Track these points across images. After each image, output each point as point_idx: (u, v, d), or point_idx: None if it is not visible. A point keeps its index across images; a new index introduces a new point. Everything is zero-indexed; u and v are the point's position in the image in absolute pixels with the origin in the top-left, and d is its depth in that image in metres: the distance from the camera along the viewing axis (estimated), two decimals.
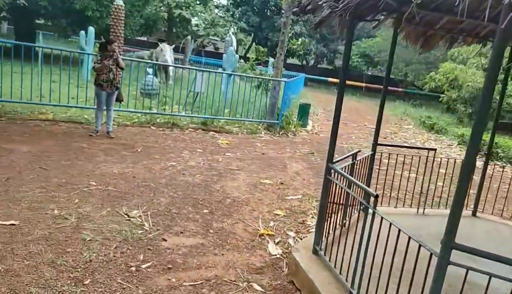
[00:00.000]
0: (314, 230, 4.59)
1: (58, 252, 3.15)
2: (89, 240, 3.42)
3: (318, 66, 37.94)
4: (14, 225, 3.43)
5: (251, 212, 4.73)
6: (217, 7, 37.08)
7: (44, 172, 4.88)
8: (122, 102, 8.56)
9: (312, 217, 4.91)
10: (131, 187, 4.86)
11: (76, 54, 13.07)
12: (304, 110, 11.52)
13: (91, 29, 14.22)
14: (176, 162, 6.24)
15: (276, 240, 4.11)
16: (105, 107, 7.26)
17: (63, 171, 5.04)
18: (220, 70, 14.17)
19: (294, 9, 2.88)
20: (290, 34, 28.17)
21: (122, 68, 7.24)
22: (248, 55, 33.63)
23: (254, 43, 34.69)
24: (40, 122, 7.42)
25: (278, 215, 4.80)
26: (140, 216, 4.09)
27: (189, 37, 21.99)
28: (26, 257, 3.00)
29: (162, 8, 27.83)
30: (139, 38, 33.03)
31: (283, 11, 9.10)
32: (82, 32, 14.95)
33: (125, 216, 4.03)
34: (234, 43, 18.53)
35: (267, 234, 4.21)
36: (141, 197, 4.60)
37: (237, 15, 35.41)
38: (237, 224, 4.35)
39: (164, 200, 4.62)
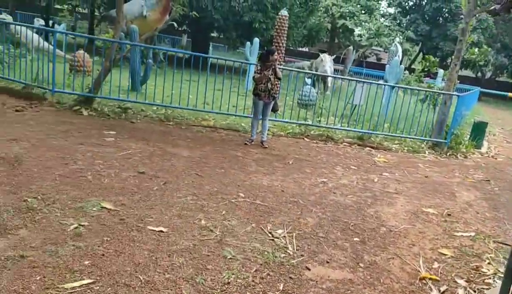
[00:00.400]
0: (492, 281, 3.70)
1: (199, 268, 3.03)
2: (230, 258, 3.25)
3: (496, 79, 33.39)
4: (163, 232, 3.47)
5: (410, 247, 4.05)
6: (383, 16, 35.64)
7: (198, 178, 4.99)
8: (278, 112, 8.54)
9: (489, 263, 3.97)
10: (279, 202, 4.63)
11: (241, 64, 13.85)
12: (479, 129, 9.96)
13: (256, 40, 14.84)
14: (328, 179, 5.84)
15: (442, 288, 3.38)
16: (261, 117, 7.29)
17: (216, 179, 5.09)
18: (381, 81, 13.31)
19: (494, 7, 2.23)
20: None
21: (279, 79, 7.18)
22: (413, 66, 31.39)
23: (421, 53, 32.26)
24: (202, 129, 7.84)
25: (444, 255, 4.00)
26: (284, 236, 3.80)
27: (350, 47, 21.46)
28: (168, 269, 2.94)
29: (325, 18, 27.86)
30: (300, 49, 33.73)
31: (462, 16, 7.98)
32: (248, 43, 15.75)
33: (269, 234, 3.78)
34: (400, 53, 17.33)
35: (430, 278, 3.50)
36: (288, 214, 4.32)
37: (404, 24, 33.44)
38: (393, 259, 3.72)
39: (311, 221, 4.26)
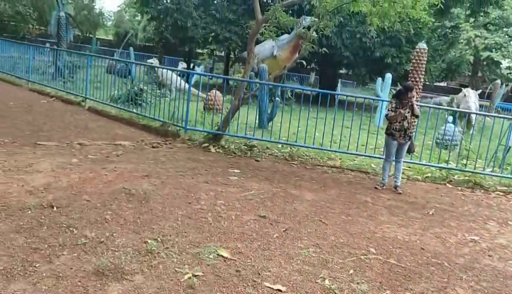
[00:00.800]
0: None
1: None
2: None
3: None
4: (281, 291, 3.05)
5: None
6: None
7: (322, 226, 4.52)
8: (413, 153, 7.67)
9: None
10: (418, 263, 3.89)
11: (371, 101, 13.16)
12: None
13: (388, 76, 14.04)
14: (479, 236, 4.85)
15: None
16: (394, 158, 6.56)
17: (342, 227, 4.55)
18: None
19: None
20: None
21: (417, 116, 6.42)
22: None
23: None
24: (327, 169, 7.38)
25: None
26: None
27: (498, 81, 19.14)
28: None
29: (467, 51, 25.55)
30: (437, 83, 31.38)
31: None
32: (379, 79, 15.00)
33: None
34: None
35: None
36: (431, 281, 3.56)
37: None
38: None
39: (463, 293, 3.44)
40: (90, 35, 35.28)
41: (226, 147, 7.85)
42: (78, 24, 31.84)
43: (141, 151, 6.73)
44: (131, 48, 18.10)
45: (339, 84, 12.06)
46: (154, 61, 15.03)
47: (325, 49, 13.70)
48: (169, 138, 7.95)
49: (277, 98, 11.22)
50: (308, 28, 15.33)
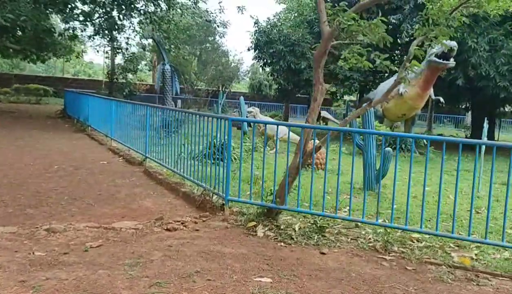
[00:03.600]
0: None
1: None
2: None
3: None
4: None
5: None
6: None
7: None
8: None
9: None
10: None
11: None
12: None
13: None
14: None
15: None
16: None
17: None
18: None
19: None
20: None
21: None
22: None
23: None
24: (448, 271, 4.21)
25: None
26: None
27: None
28: None
29: None
30: None
31: None
32: None
33: None
34: None
35: None
36: None
37: None
38: None
39: None
40: (225, 89, 36.19)
41: (283, 227, 5.25)
42: (214, 80, 32.93)
43: (137, 240, 4.59)
44: (242, 98, 16.85)
45: (485, 125, 8.36)
46: (254, 110, 13.27)
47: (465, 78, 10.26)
48: (208, 213, 5.72)
49: (387, 149, 8.16)
50: (444, 54, 11.84)
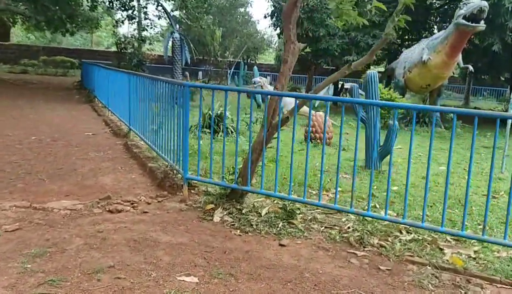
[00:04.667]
0: None
1: None
2: None
3: None
4: None
5: None
6: None
7: None
8: None
9: None
10: None
11: None
12: None
13: None
14: None
15: None
16: None
17: None
18: None
19: None
20: None
21: None
22: None
23: None
24: (433, 273, 3.37)
25: None
26: None
27: None
28: None
29: None
30: None
31: None
32: None
33: None
34: None
35: None
36: None
37: None
38: None
39: None
40: (250, 61, 35.19)
41: (245, 211, 4.50)
42: (239, 51, 31.97)
43: (65, 224, 3.97)
44: (255, 68, 15.97)
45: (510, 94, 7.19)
46: (262, 81, 12.40)
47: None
48: (167, 192, 5.05)
49: (392, 122, 7.17)
50: (473, 16, 10.36)
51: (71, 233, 3.71)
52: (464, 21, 10.26)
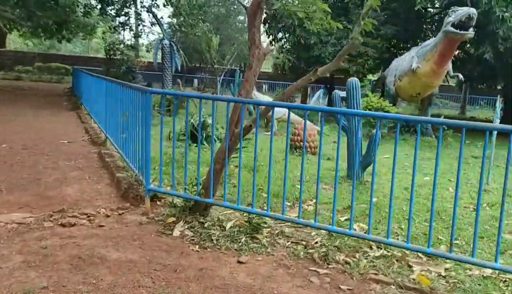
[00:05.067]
0: None
1: None
2: None
3: None
4: None
5: None
6: None
7: None
8: None
9: None
10: None
11: None
12: None
13: None
14: None
15: None
16: None
17: None
18: None
19: None
20: None
21: None
22: None
23: None
24: None
25: None
26: None
27: None
28: None
29: None
30: None
31: None
32: None
33: None
34: None
35: None
36: None
37: None
38: None
39: None
40: (246, 68, 35.05)
41: (207, 225, 4.27)
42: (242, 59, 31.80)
43: (9, 239, 3.73)
44: (237, 70, 15.79)
45: (498, 105, 6.98)
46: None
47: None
48: (129, 204, 4.82)
49: (374, 131, 6.95)
50: (462, 23, 10.17)
51: (12, 249, 3.48)
52: (452, 29, 10.09)
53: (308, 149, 9.07)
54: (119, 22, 17.06)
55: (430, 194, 4.47)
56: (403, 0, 14.90)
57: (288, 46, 17.84)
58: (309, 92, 25.83)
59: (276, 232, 4.33)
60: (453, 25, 10.10)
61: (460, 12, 9.96)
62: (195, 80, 26.28)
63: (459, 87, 30.11)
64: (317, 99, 15.36)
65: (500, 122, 18.33)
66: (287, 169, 4.02)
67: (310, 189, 6.26)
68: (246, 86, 4.21)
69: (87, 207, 4.66)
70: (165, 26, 18.08)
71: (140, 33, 18.34)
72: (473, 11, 9.75)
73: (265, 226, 4.34)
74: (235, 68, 32.39)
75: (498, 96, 7.57)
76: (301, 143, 9.18)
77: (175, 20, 28.19)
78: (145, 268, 3.36)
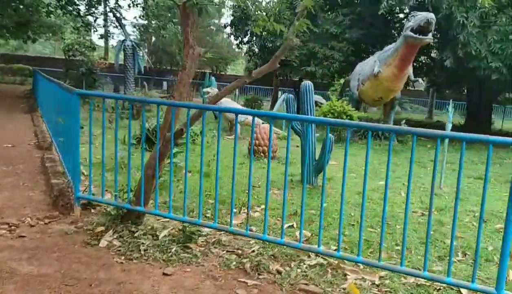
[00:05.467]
0: None
1: None
2: None
3: None
4: None
5: None
6: None
7: None
8: None
9: None
10: None
11: None
12: None
13: None
14: None
15: None
16: None
17: None
18: None
19: None
20: None
21: None
22: None
23: None
24: None
25: None
26: None
27: None
28: None
29: None
30: None
31: None
32: None
33: None
34: None
35: None
36: None
37: None
38: None
39: None
40: (220, 72, 34.92)
41: (138, 234, 4.04)
42: (214, 61, 31.51)
43: None
44: (213, 78, 15.59)
45: (450, 109, 6.97)
46: (212, 91, 12.01)
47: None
48: (58, 212, 4.54)
49: (330, 135, 6.85)
50: (421, 28, 10.22)
51: None
52: (411, 34, 10.14)
53: (264, 154, 8.91)
54: (83, 23, 16.58)
55: (382, 198, 4.37)
56: (368, 4, 14.99)
57: (255, 50, 17.71)
58: (279, 96, 25.78)
59: (213, 240, 4.14)
60: (412, 29, 10.15)
61: (419, 16, 10.02)
62: (164, 83, 25.87)
63: (427, 92, 30.65)
64: (280, 104, 15.26)
65: (463, 126, 18.68)
66: (234, 174, 3.83)
67: (260, 194, 6.11)
68: (179, 89, 4.01)
69: (12, 216, 4.36)
70: (129, 27, 17.71)
71: (108, 35, 17.89)
72: (431, 16, 9.82)
73: (202, 234, 4.14)
74: (207, 71, 32.09)
75: (450, 101, 7.59)
76: (259, 148, 9.03)
77: (145, 22, 27.79)
78: (56, 283, 3.11)
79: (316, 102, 23.71)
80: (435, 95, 29.37)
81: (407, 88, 20.77)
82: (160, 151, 3.91)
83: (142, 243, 3.87)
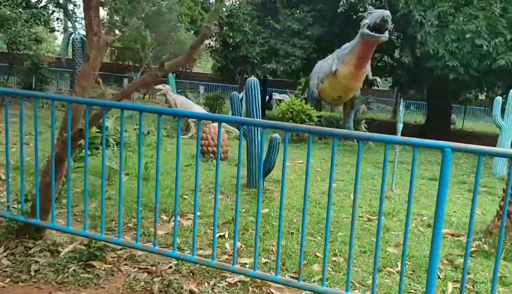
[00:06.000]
0: None
1: None
2: None
3: None
4: None
5: None
6: None
7: None
8: None
9: None
10: None
11: None
12: None
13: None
14: None
15: None
16: None
17: None
18: None
19: None
20: None
21: None
22: None
23: None
24: None
25: None
26: None
27: None
28: None
29: None
30: None
31: None
32: (497, 98, 9.06)
33: None
34: None
35: None
36: None
37: None
38: None
39: None
40: (186, 70, 34.15)
41: (36, 250, 3.49)
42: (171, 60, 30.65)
43: None
44: (170, 75, 14.97)
45: (401, 109, 6.67)
46: (164, 88, 11.43)
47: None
48: None
49: (274, 135, 6.43)
50: (377, 26, 10.01)
51: None
52: (368, 31, 9.88)
53: (213, 155, 8.43)
54: (31, 14, 15.54)
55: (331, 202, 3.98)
56: (329, 2, 14.72)
57: (216, 46, 17.20)
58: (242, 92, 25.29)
59: (126, 255, 3.63)
60: (368, 27, 9.90)
61: (375, 14, 9.78)
62: (125, 80, 24.97)
63: (393, 91, 30.86)
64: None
65: (423, 126, 18.72)
66: (158, 179, 3.34)
67: (200, 199, 5.62)
68: (82, 82, 3.47)
69: None
70: (79, 20, 16.84)
71: (56, 28, 16.91)
72: (387, 13, 9.59)
73: (117, 248, 3.63)
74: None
75: (401, 100, 7.33)
76: (209, 148, 8.55)
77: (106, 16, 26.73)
78: None
79: (280, 100, 23.40)
80: (399, 95, 29.58)
81: (373, 87, 20.74)
82: (58, 154, 3.37)
83: (36, 262, 3.33)
